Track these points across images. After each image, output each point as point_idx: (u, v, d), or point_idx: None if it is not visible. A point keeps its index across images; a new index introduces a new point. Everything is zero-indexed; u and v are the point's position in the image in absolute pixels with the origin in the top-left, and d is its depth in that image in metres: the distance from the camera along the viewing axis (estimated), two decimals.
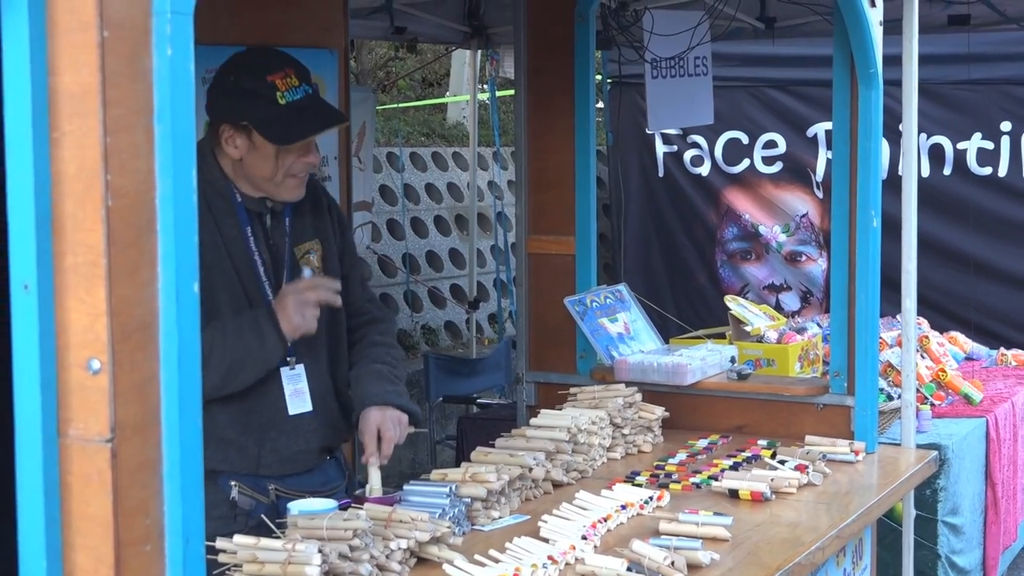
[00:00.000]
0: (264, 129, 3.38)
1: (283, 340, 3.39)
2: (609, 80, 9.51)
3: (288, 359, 3.51)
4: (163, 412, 1.52)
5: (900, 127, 4.56)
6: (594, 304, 4.76)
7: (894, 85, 4.45)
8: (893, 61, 4.38)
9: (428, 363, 7.69)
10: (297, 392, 3.55)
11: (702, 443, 4.39)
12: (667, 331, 6.51)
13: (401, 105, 12.26)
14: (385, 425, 3.54)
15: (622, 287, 4.99)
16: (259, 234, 3.51)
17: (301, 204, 3.61)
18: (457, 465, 3.73)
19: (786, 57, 8.95)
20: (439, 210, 10.58)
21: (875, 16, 4.19)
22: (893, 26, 4.37)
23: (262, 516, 3.16)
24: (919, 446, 4.66)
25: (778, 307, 9.27)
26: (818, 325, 6.07)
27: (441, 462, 7.62)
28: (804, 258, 9.38)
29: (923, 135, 8.72)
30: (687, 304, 9.69)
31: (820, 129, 9.15)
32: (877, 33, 4.22)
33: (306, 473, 3.62)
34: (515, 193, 5.09)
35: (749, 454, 4.22)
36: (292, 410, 3.53)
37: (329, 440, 3.68)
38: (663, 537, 3.27)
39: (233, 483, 3.47)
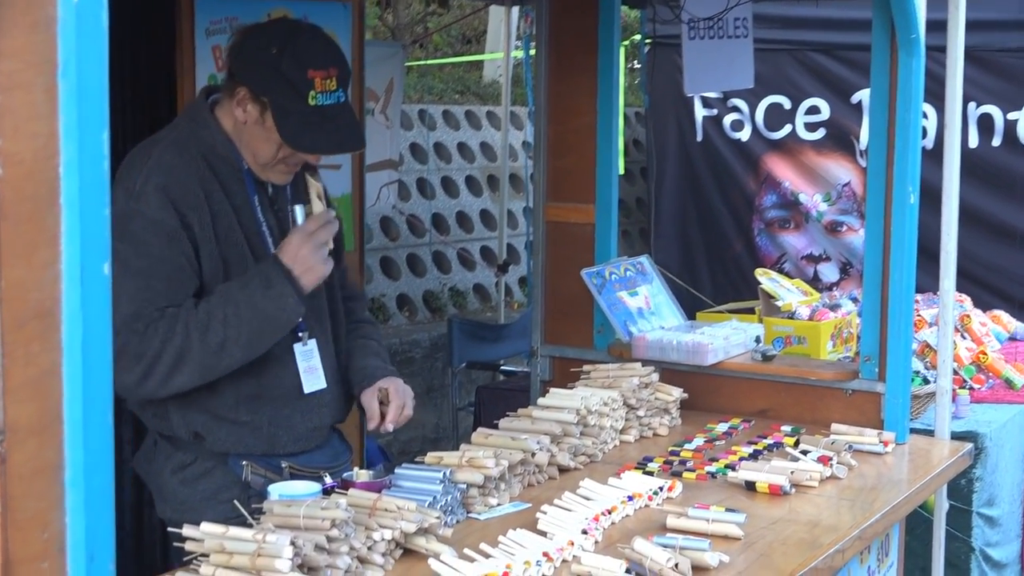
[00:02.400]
0: (281, 120, 3.15)
1: (302, 297, 3.19)
2: (647, 40, 9.24)
3: (300, 334, 3.34)
4: (65, 410, 1.32)
5: None
6: (613, 276, 4.52)
7: (942, 52, 4.17)
8: (941, 26, 4.11)
9: (452, 327, 7.49)
10: (311, 369, 3.39)
11: (722, 427, 4.15)
12: (696, 304, 6.28)
13: (432, 62, 12.00)
14: (401, 395, 3.47)
15: (644, 259, 4.75)
16: (264, 202, 3.34)
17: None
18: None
19: (831, 20, 8.66)
20: (471, 170, 10.33)
21: None
22: None
23: (234, 502, 2.94)
24: (955, 433, 4.42)
25: (816, 278, 9.02)
26: (853, 301, 5.80)
27: (463, 428, 7.43)
28: (845, 228, 9.10)
29: (972, 104, 8.43)
30: (722, 273, 9.45)
31: (865, 95, 8.82)
32: None
33: (316, 450, 3.47)
34: (533, 157, 4.84)
35: (771, 442, 3.99)
36: (308, 388, 3.38)
37: (338, 415, 3.54)
38: (669, 535, 3.04)
39: (244, 463, 3.30)
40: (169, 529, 2.82)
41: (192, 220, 3.15)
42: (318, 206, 3.28)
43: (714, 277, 9.48)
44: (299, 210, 3.28)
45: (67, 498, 1.33)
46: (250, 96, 3.18)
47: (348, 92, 3.25)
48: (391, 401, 3.44)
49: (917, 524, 4.78)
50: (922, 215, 4.14)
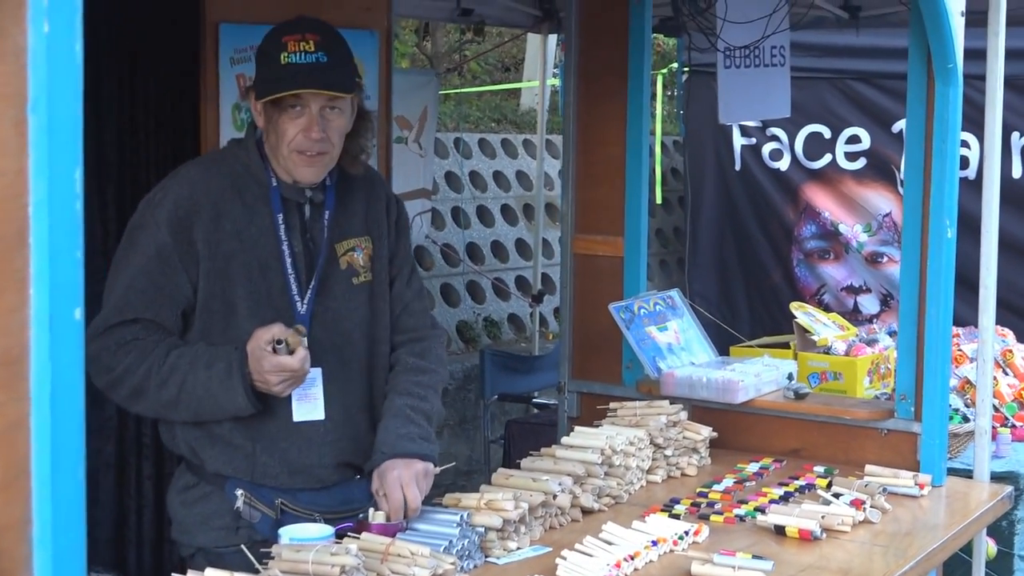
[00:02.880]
0: (257, 87, 3.22)
1: (255, 398, 3.13)
2: (685, 69, 9.15)
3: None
4: (33, 464, 1.24)
5: None
6: (642, 311, 4.41)
7: (983, 80, 4.06)
8: (981, 55, 4.00)
9: (484, 359, 7.40)
10: (306, 397, 3.29)
11: (753, 467, 4.03)
12: (729, 338, 6.16)
13: (468, 90, 11.95)
14: (409, 486, 3.18)
15: (675, 293, 4.64)
16: (294, 224, 3.28)
17: (349, 197, 3.39)
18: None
19: (871, 48, 8.53)
20: (506, 198, 10.26)
21: (956, 6, 3.79)
22: (979, 18, 3.98)
23: (242, 546, 2.85)
24: (996, 473, 4.29)
25: (856, 309, 8.88)
26: (891, 335, 5.66)
27: (495, 461, 7.32)
28: (885, 259, 8.95)
29: (1016, 134, 8.27)
30: (760, 304, 9.33)
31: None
32: (958, 24, 3.83)
33: (322, 490, 3.34)
34: (561, 188, 4.74)
35: (803, 483, 3.86)
36: (298, 416, 3.28)
37: (351, 456, 3.37)
38: None
39: (239, 492, 3.24)
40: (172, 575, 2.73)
41: (197, 236, 3.17)
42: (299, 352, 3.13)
43: (752, 308, 9.36)
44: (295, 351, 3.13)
45: (35, 556, 1.25)
46: (254, 97, 3.23)
47: (335, 59, 3.20)
48: (388, 494, 3.18)
49: (957, 567, 4.63)
50: (965, 246, 4.03)
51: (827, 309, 8.45)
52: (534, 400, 7.55)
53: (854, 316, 8.70)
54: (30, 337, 1.22)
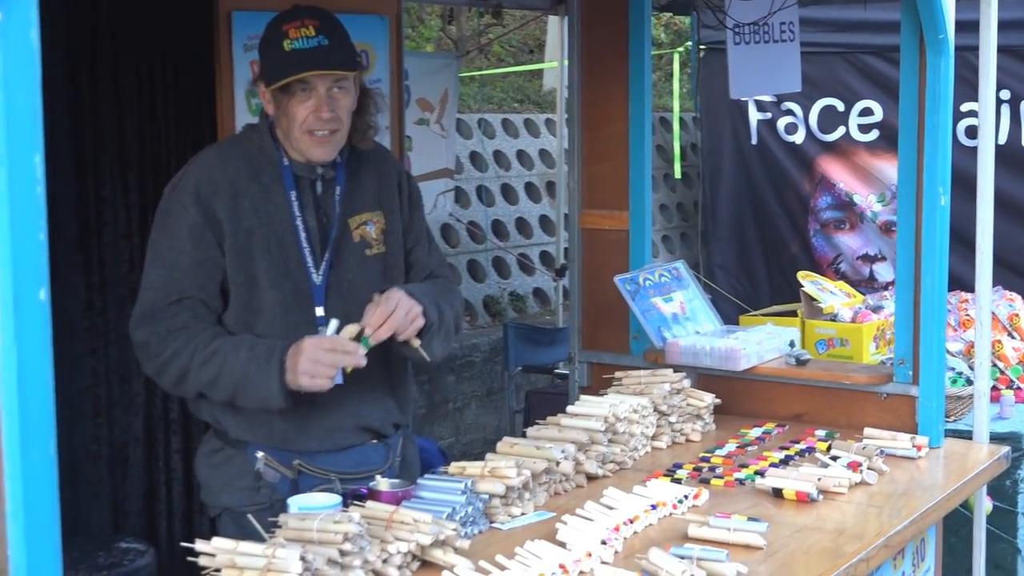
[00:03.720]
0: (264, 75, 3.37)
1: (286, 393, 3.25)
2: (702, 47, 9.24)
3: (319, 328, 3.37)
4: (4, 441, 1.31)
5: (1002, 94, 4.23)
6: (647, 282, 4.51)
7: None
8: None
9: (507, 332, 7.58)
10: None
11: (755, 432, 4.14)
12: (750, 308, 6.26)
13: (488, 72, 12.04)
14: (399, 311, 3.31)
15: (680, 264, 4.74)
16: (307, 201, 3.43)
17: (361, 173, 3.54)
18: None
19: (881, 23, 8.60)
20: (530, 176, 10.37)
21: None
22: None
23: (248, 516, 2.98)
24: (999, 435, 4.37)
25: (872, 277, 8.96)
26: None
27: (519, 432, 7.41)
28: None
29: None
30: (780, 274, 9.43)
31: None
32: None
33: (339, 452, 3.49)
34: (568, 165, 4.85)
35: (803, 447, 3.96)
36: None
37: (369, 420, 3.52)
38: (687, 545, 3.01)
39: (260, 454, 3.42)
40: (182, 544, 2.86)
41: (221, 215, 3.31)
42: (349, 332, 3.28)
43: (771, 278, 9.46)
44: (333, 323, 3.32)
45: (8, 530, 1.33)
46: (263, 86, 3.38)
47: (334, 41, 3.31)
48: (379, 306, 3.31)
49: (961, 525, 4.72)
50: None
51: (844, 277, 8.56)
52: (556, 371, 7.68)
53: (870, 284, 8.79)
54: None
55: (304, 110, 3.32)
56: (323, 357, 3.22)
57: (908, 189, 4.08)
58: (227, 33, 4.78)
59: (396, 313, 3.30)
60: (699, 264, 10.26)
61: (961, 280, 5.80)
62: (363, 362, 3.27)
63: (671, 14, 11.10)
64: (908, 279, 4.10)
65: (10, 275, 1.27)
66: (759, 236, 9.64)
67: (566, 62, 9.01)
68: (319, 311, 3.40)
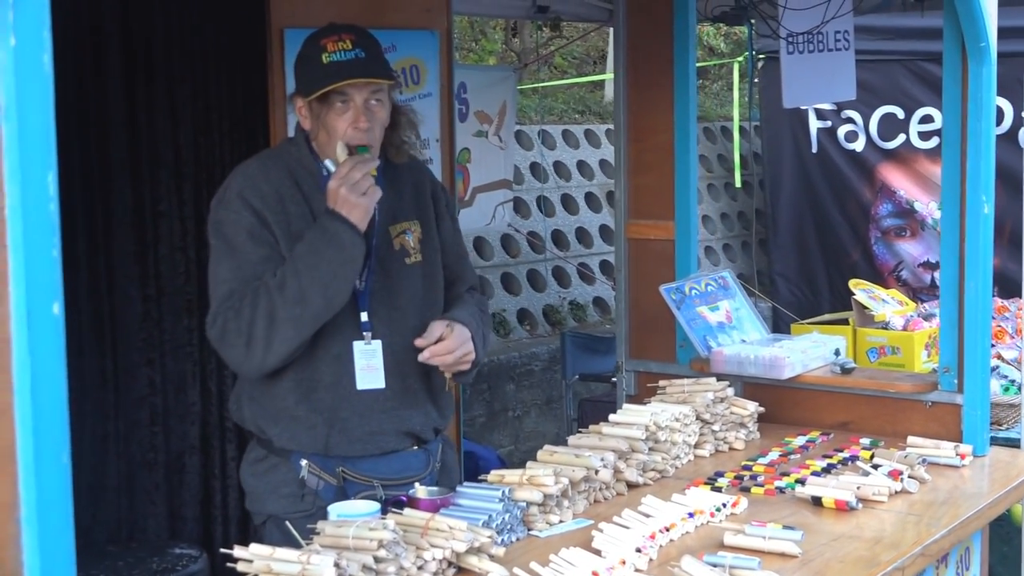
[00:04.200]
0: (302, 88, 3.44)
1: (357, 231, 3.33)
2: (761, 56, 9.25)
3: (364, 333, 3.45)
4: (19, 449, 1.36)
5: None
6: (693, 292, 4.54)
7: None
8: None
9: (565, 341, 7.66)
10: (369, 368, 3.49)
11: (799, 441, 4.14)
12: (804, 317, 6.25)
13: (547, 84, 12.10)
14: (458, 343, 3.45)
15: (726, 273, 4.75)
16: None
17: (398, 184, 3.60)
18: None
19: (939, 30, 8.54)
20: (590, 187, 10.41)
21: None
22: None
23: (286, 523, 3.04)
24: None
25: (933, 284, 8.93)
26: None
27: None
28: None
29: None
30: (841, 282, 9.39)
31: None
32: (989, 2, 3.89)
33: (381, 457, 3.54)
34: (614, 175, 4.89)
35: (846, 455, 3.96)
36: (361, 384, 3.47)
37: (410, 424, 3.57)
38: (720, 553, 3.03)
39: (304, 462, 3.47)
40: (221, 550, 2.92)
41: (270, 219, 3.38)
42: (341, 156, 3.39)
43: (833, 286, 9.44)
44: (328, 163, 3.45)
45: (23, 535, 1.37)
46: (300, 98, 3.46)
47: (370, 54, 3.40)
48: (446, 338, 3.44)
49: (1014, 534, 4.70)
50: None
51: (905, 285, 8.53)
52: (614, 379, 7.70)
53: (931, 291, 8.74)
54: (10, 331, 1.33)
55: (343, 122, 3.38)
56: (352, 188, 3.30)
57: (952, 197, 4.07)
58: (279, 49, 4.85)
59: (455, 353, 3.44)
60: (760, 272, 10.25)
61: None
62: (377, 161, 3.39)
63: (722, 24, 11.10)
64: (952, 287, 4.09)
65: (24, 289, 1.32)
66: (820, 244, 9.63)
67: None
68: (363, 316, 3.46)
